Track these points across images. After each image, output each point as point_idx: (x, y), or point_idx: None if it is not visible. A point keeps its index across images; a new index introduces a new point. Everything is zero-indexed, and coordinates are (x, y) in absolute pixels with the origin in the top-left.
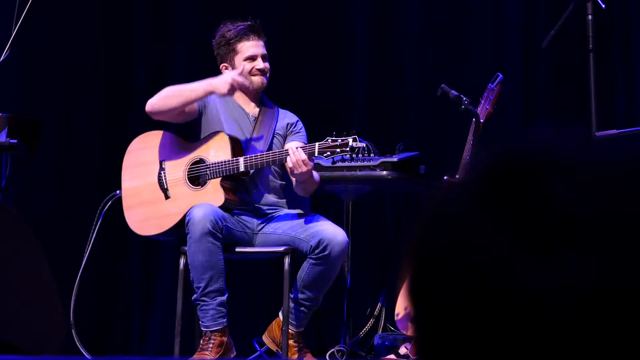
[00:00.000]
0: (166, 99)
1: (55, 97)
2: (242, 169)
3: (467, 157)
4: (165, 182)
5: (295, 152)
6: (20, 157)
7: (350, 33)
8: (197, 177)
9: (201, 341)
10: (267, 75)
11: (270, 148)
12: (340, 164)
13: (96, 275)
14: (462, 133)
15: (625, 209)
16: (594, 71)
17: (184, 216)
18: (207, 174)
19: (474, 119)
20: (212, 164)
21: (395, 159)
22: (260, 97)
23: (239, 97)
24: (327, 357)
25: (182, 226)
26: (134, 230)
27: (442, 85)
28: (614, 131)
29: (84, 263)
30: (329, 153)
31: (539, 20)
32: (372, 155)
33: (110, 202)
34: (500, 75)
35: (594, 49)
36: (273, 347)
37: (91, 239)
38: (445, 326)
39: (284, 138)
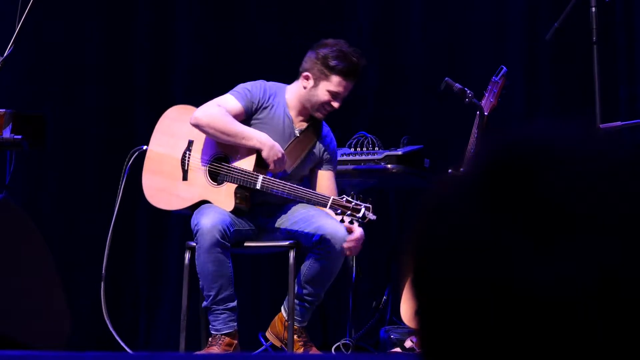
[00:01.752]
0: (216, 131)
1: (58, 92)
2: (258, 187)
3: (471, 150)
4: (188, 163)
5: (352, 248)
6: (24, 152)
7: (353, 27)
8: (217, 173)
9: (210, 339)
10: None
11: (297, 170)
12: (344, 157)
13: (101, 270)
14: (467, 126)
15: (626, 202)
16: (598, 63)
17: (194, 204)
18: (226, 175)
19: (478, 112)
20: (233, 169)
21: (399, 153)
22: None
23: (293, 108)
24: (332, 350)
25: (189, 210)
26: (145, 194)
27: (446, 78)
28: (618, 123)
29: (110, 232)
30: (340, 211)
31: (542, 13)
32: (376, 148)
33: (135, 154)
34: (504, 68)
35: (597, 41)
36: (277, 343)
37: (119, 196)
38: (447, 320)
39: (318, 161)
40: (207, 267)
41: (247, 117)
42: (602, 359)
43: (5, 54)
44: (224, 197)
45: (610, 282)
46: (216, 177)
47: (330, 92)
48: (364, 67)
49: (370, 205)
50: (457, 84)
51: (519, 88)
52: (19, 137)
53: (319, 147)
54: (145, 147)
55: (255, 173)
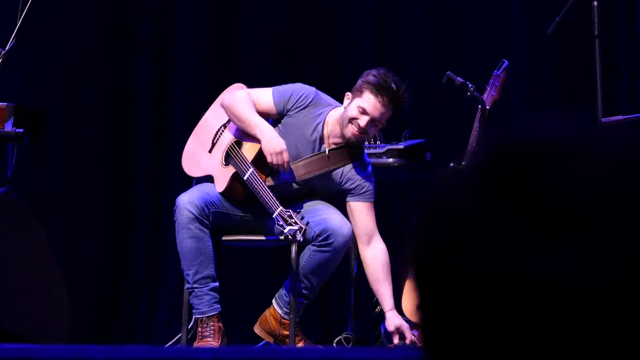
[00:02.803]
0: (231, 113)
1: (59, 89)
2: (245, 178)
3: (473, 144)
4: (218, 138)
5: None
6: (25, 146)
7: (354, 20)
8: (229, 155)
9: (199, 328)
10: (365, 138)
11: (307, 182)
12: None
13: (101, 264)
14: (468, 120)
15: (627, 197)
16: (600, 57)
17: (204, 177)
18: (232, 158)
19: (479, 106)
20: (239, 154)
21: (401, 147)
22: (353, 144)
23: (329, 126)
24: (334, 344)
25: (200, 180)
26: (183, 153)
27: (448, 72)
28: (620, 117)
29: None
30: (280, 222)
31: (544, 7)
32: (378, 142)
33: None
34: (506, 61)
35: (599, 34)
36: (269, 339)
37: None
38: (449, 314)
39: (336, 186)
40: (186, 244)
41: (278, 115)
42: (602, 351)
43: (6, 48)
44: (222, 178)
45: (610, 276)
46: (228, 158)
47: (359, 108)
48: (402, 99)
49: (305, 229)
50: (458, 78)
51: (521, 82)
52: (21, 130)
53: (343, 172)
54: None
55: (249, 164)
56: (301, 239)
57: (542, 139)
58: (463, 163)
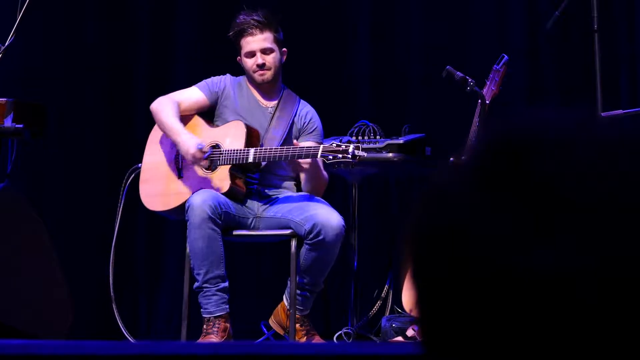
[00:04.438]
0: (156, 117)
1: (59, 81)
2: (250, 159)
3: (472, 138)
4: (181, 161)
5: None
6: (25, 142)
7: (354, 14)
8: (211, 161)
9: (204, 326)
10: (272, 69)
11: (286, 143)
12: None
13: (102, 259)
14: (468, 114)
15: (626, 189)
16: (599, 51)
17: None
18: (219, 159)
19: (479, 101)
20: (225, 151)
21: (401, 141)
22: (279, 88)
23: (254, 90)
24: (334, 339)
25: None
26: (143, 202)
27: (448, 66)
28: (619, 111)
29: (114, 242)
30: (331, 157)
31: (543, 1)
32: (377, 137)
33: (133, 175)
34: (506, 56)
35: (598, 29)
36: (280, 331)
37: (118, 213)
38: (448, 308)
39: (299, 133)
40: (197, 244)
41: (214, 103)
42: (600, 337)
43: (6, 44)
44: (219, 180)
45: (608, 262)
46: (211, 165)
47: (247, 55)
48: (267, 15)
49: (359, 145)
50: (458, 72)
51: (520, 76)
52: (20, 126)
53: (298, 119)
54: (140, 165)
55: (245, 149)
56: (364, 154)
57: (539, 131)
58: (463, 158)
